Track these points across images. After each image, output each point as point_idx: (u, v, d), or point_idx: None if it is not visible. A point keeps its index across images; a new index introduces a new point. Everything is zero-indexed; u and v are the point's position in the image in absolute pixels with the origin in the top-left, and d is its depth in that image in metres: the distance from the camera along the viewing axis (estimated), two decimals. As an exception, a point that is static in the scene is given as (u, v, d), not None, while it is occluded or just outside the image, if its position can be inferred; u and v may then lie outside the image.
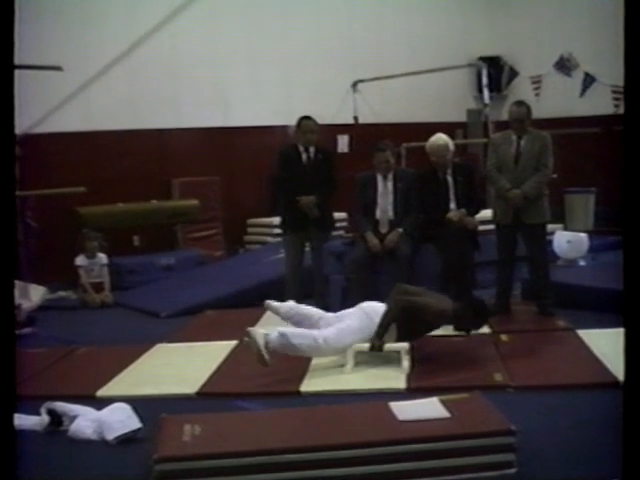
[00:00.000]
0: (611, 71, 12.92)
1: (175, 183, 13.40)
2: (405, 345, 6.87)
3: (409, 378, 6.48)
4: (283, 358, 6.78)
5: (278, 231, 10.52)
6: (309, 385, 6.45)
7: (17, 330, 8.74)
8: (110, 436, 5.30)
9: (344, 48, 14.73)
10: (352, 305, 7.23)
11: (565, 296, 8.57)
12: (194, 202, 13.06)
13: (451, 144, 8.63)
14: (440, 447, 4.58)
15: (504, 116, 8.95)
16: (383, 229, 8.62)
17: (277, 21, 14.33)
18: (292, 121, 9.47)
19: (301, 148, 9.04)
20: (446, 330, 7.70)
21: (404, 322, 6.86)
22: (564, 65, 15.19)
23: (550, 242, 10.01)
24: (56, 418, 5.58)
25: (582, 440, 5.05)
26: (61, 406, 5.66)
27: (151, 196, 12.97)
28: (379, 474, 4.51)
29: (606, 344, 6.74)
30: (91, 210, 12.03)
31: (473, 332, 7.24)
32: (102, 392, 6.43)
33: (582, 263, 10.37)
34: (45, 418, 5.58)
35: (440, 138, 8.58)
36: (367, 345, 6.85)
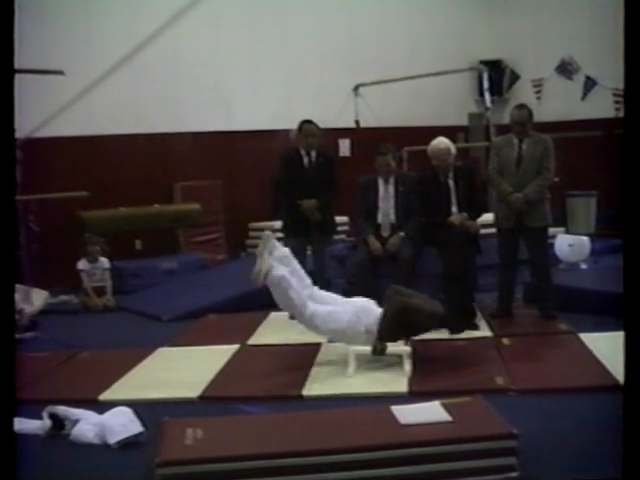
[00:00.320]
0: (612, 74, 12.94)
1: (177, 187, 13.41)
2: (407, 349, 6.88)
3: (411, 382, 6.48)
4: (285, 362, 6.79)
5: (280, 235, 10.50)
6: (311, 389, 6.44)
7: (19, 334, 8.76)
8: (112, 440, 5.30)
9: (345, 52, 14.75)
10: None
11: (567, 299, 8.57)
12: (196, 206, 13.07)
13: (453, 148, 8.63)
14: (442, 451, 4.59)
15: (505, 120, 8.96)
16: (385, 233, 8.62)
17: (279, 25, 14.34)
18: (294, 125, 9.48)
19: (303, 152, 9.05)
20: (446, 334, 7.72)
21: (397, 321, 6.86)
22: (565, 68, 15.20)
23: (552, 245, 10.01)
24: (58, 422, 5.58)
25: (584, 443, 5.05)
26: (63, 410, 5.67)
27: (153, 200, 12.98)
28: (381, 478, 4.51)
29: (607, 347, 6.73)
30: (93, 214, 12.04)
31: (474, 335, 7.25)
32: (104, 396, 6.43)
33: (584, 266, 10.39)
34: (47, 422, 5.58)
35: (442, 142, 8.58)
36: (369, 348, 6.86)
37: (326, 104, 13.84)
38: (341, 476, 4.51)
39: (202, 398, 6.38)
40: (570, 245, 10.50)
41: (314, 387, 6.48)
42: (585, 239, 10.62)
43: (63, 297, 10.82)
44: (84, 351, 8.00)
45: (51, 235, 11.52)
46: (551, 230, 9.11)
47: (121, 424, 5.39)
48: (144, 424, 5.41)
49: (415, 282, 8.25)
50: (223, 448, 4.72)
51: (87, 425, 5.51)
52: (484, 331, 8.10)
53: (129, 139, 12.96)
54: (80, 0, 12.62)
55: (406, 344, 7.07)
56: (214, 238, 13.58)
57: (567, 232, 11.79)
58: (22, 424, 5.57)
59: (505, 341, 7.68)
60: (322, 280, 9.05)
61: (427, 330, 7.08)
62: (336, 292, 7.68)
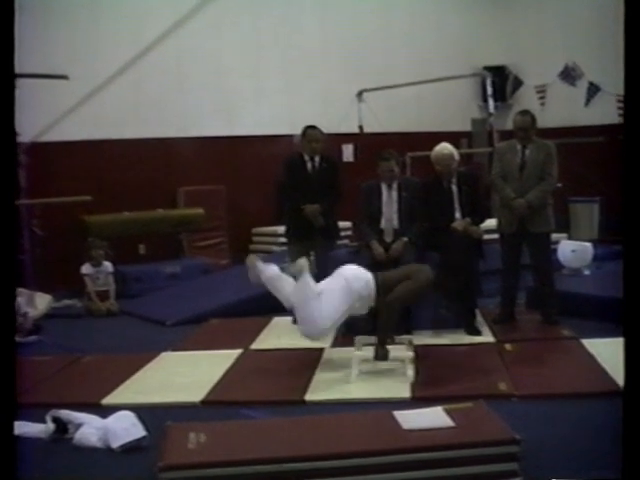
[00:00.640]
0: (616, 80, 12.89)
1: (180, 192, 13.43)
2: (409, 354, 6.88)
3: (413, 387, 6.48)
4: (288, 367, 6.80)
5: (283, 240, 10.52)
6: (314, 394, 6.45)
7: (23, 338, 8.79)
8: (115, 444, 5.31)
9: (349, 58, 14.76)
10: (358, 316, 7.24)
11: (569, 305, 8.57)
12: (199, 211, 13.09)
13: (456, 153, 8.62)
14: (444, 456, 4.59)
15: (509, 125, 8.96)
16: (388, 238, 8.61)
17: (282, 30, 14.36)
18: (297, 130, 9.49)
19: (306, 157, 9.06)
20: (450, 339, 7.74)
21: (393, 321, 7.03)
22: (569, 74, 15.21)
23: (555, 251, 10.01)
24: (61, 426, 5.59)
25: (586, 448, 5.05)
26: (66, 414, 5.68)
27: (157, 205, 12.99)
28: (384, 483, 4.53)
29: (610, 353, 6.73)
30: (97, 218, 12.06)
31: (476, 340, 7.25)
32: (107, 400, 6.44)
33: (587, 272, 10.38)
34: (50, 426, 5.60)
35: (445, 147, 8.58)
36: (372, 354, 6.87)
37: (330, 109, 13.85)
38: (344, 481, 4.52)
39: (205, 402, 6.39)
40: (573, 251, 10.50)
41: (317, 392, 6.49)
42: (588, 245, 10.62)
43: (67, 301, 10.83)
44: (87, 355, 8.01)
45: (55, 239, 11.54)
46: (554, 236, 9.11)
47: (124, 428, 5.41)
48: (147, 428, 5.43)
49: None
50: (226, 452, 4.73)
51: (90, 429, 5.52)
52: (487, 336, 8.11)
53: (133, 144, 12.97)
54: (85, 5, 12.65)
55: (409, 348, 7.08)
56: (217, 243, 13.59)
57: (570, 238, 11.80)
58: (25, 428, 5.59)
59: (508, 347, 7.68)
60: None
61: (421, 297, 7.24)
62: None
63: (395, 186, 8.66)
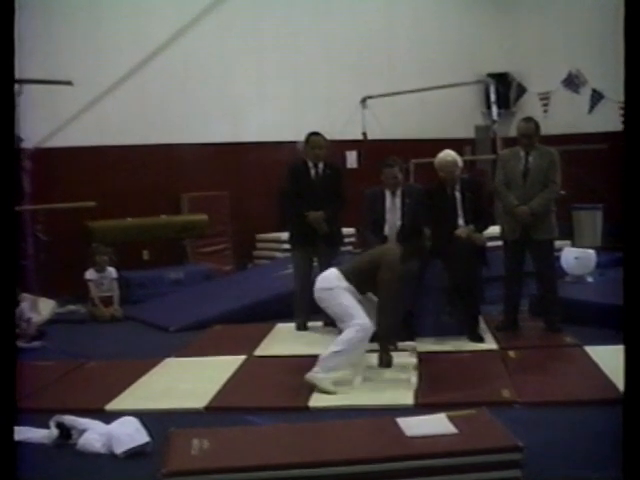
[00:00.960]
0: (619, 87, 12.80)
1: (184, 198, 13.44)
2: (413, 361, 6.89)
3: (416, 394, 6.48)
4: (292, 373, 6.80)
5: (287, 246, 10.53)
6: (317, 400, 6.45)
7: (26, 343, 8.81)
8: (118, 450, 5.32)
9: (353, 64, 14.79)
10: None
11: (573, 312, 8.58)
12: (203, 217, 13.10)
13: (459, 160, 8.63)
14: (447, 463, 4.60)
15: (512, 132, 8.97)
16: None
17: (287, 37, 14.38)
18: (301, 137, 9.51)
19: (310, 164, 9.08)
20: (453, 346, 7.75)
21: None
22: (572, 82, 15.21)
23: (558, 258, 10.01)
24: (65, 431, 5.60)
25: (589, 456, 5.05)
26: (70, 419, 5.68)
27: (160, 211, 13.01)
28: (387, 489, 4.53)
29: (613, 360, 6.72)
30: (101, 224, 12.07)
31: (479, 347, 7.25)
32: (111, 406, 6.45)
33: (590, 279, 10.38)
34: (54, 431, 5.60)
35: (448, 154, 8.58)
36: (376, 361, 6.88)
37: (334, 116, 13.87)
38: (347, 487, 4.53)
39: (208, 409, 6.39)
40: (576, 258, 10.50)
41: (320, 398, 6.49)
42: (591, 252, 10.62)
43: (70, 307, 10.85)
44: (91, 361, 8.03)
45: (59, 245, 11.54)
46: (557, 243, 9.12)
47: (128, 434, 5.41)
48: (150, 434, 5.43)
49: (421, 294, 8.28)
50: (229, 459, 4.74)
51: (94, 435, 5.53)
52: (490, 343, 8.12)
53: (137, 149, 12.99)
54: (89, 11, 12.68)
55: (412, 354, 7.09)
56: (221, 249, 13.60)
57: (573, 245, 11.80)
58: (29, 433, 5.60)
59: (511, 354, 7.69)
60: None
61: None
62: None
63: (399, 193, 8.66)
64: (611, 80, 13.48)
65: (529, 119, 8.64)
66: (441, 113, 15.48)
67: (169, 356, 8.11)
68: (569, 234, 12.50)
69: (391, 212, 8.65)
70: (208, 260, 13.12)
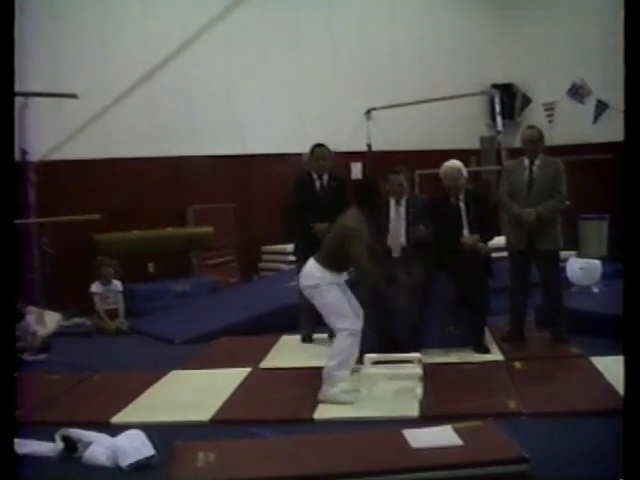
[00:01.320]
0: (623, 98, 12.92)
1: (190, 210, 13.46)
2: (418, 372, 6.88)
3: (422, 405, 6.48)
4: (297, 385, 6.80)
5: (292, 258, 10.53)
6: (323, 412, 6.45)
7: (32, 356, 8.82)
8: (124, 463, 5.32)
9: (358, 76, 14.81)
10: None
11: (578, 323, 8.56)
12: (209, 229, 13.11)
13: (464, 170, 8.63)
14: (453, 475, 4.60)
15: (517, 143, 8.97)
16: (395, 254, 8.59)
17: (291, 49, 14.42)
18: (306, 148, 9.51)
19: (315, 175, 9.08)
20: (459, 358, 7.73)
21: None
22: (577, 92, 15.22)
23: (563, 269, 10.00)
24: (71, 444, 5.60)
25: (595, 467, 5.03)
26: (76, 432, 5.69)
27: (166, 223, 13.02)
28: (392, 501, 4.53)
29: (619, 371, 6.70)
30: (107, 237, 12.08)
31: (485, 358, 7.24)
32: (117, 419, 6.45)
33: (595, 290, 10.36)
34: (60, 444, 5.60)
35: (454, 163, 8.60)
36: (383, 371, 6.88)
37: (338, 128, 13.89)
38: (352, 500, 4.53)
39: (214, 421, 6.39)
40: (581, 268, 10.48)
41: (326, 410, 6.49)
42: (597, 262, 10.61)
43: (76, 319, 10.85)
44: (97, 374, 8.03)
45: (64, 257, 11.56)
46: (563, 253, 9.09)
47: (133, 447, 5.41)
48: (156, 447, 5.43)
49: (427, 306, 8.26)
50: (235, 471, 4.74)
51: (99, 448, 5.53)
52: (496, 355, 8.10)
53: (142, 162, 13.00)
54: (96, 24, 12.71)
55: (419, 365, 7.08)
56: (227, 261, 13.61)
57: (579, 255, 11.77)
58: (35, 446, 5.60)
59: (517, 365, 7.68)
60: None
61: None
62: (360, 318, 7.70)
63: (403, 202, 8.65)
64: (616, 90, 13.46)
65: (533, 126, 8.68)
66: (446, 124, 15.49)
67: (175, 368, 8.11)
68: (575, 244, 12.49)
69: (394, 222, 8.62)
70: (214, 272, 13.13)
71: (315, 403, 6.61)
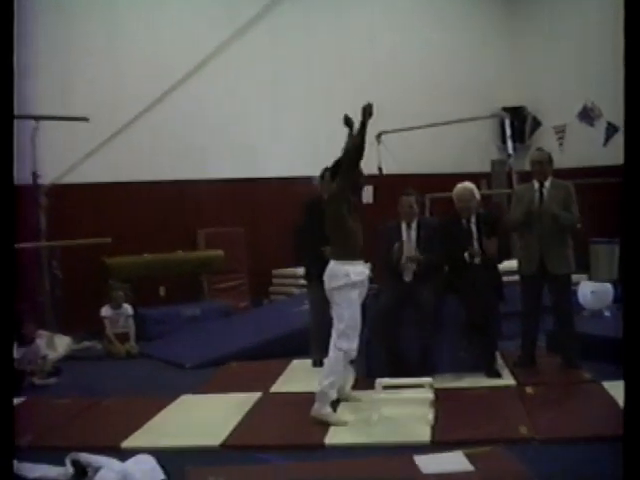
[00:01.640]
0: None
1: (200, 234, 13.48)
2: (430, 396, 6.85)
3: (433, 431, 6.44)
4: (308, 410, 6.78)
5: (303, 282, 10.52)
6: (333, 437, 6.42)
7: (42, 380, 8.82)
8: (134, 488, 5.30)
9: (367, 99, 14.79)
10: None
11: (590, 347, 8.51)
12: (219, 253, 13.12)
13: (477, 192, 8.65)
14: (465, 501, 4.57)
15: (528, 166, 8.96)
16: (407, 278, 8.58)
17: (301, 73, 14.48)
18: (316, 172, 9.51)
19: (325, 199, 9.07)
20: (470, 382, 7.70)
21: None
22: (587, 115, 15.22)
23: (575, 292, 9.96)
24: (80, 469, 5.57)
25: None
26: (85, 457, 5.66)
27: (177, 247, 13.04)
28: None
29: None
30: (117, 260, 12.10)
31: (497, 383, 7.22)
32: (127, 443, 6.44)
33: (607, 313, 10.32)
34: (69, 469, 5.58)
35: (467, 185, 8.64)
36: (394, 396, 6.86)
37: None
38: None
39: (224, 446, 6.36)
40: (593, 292, 10.45)
41: (336, 435, 6.46)
42: (608, 286, 10.57)
43: (86, 343, 10.84)
44: (107, 398, 8.02)
45: (75, 281, 11.58)
46: (574, 277, 9.07)
47: (143, 472, 5.39)
48: (166, 472, 5.41)
49: (438, 330, 8.24)
50: (245, 497, 4.72)
51: (109, 472, 5.50)
52: (507, 379, 8.06)
53: (153, 186, 13.05)
54: (106, 48, 12.78)
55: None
56: (237, 285, 13.61)
57: (590, 279, 11.74)
58: (44, 470, 5.59)
59: (528, 390, 7.64)
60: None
61: None
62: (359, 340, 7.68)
63: (414, 225, 8.65)
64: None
65: (541, 148, 8.73)
66: (456, 147, 15.51)
67: (185, 393, 8.09)
68: (586, 268, 12.45)
69: (406, 245, 8.62)
70: (224, 296, 13.12)
71: (326, 428, 6.59)
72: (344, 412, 7.03)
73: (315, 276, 9.10)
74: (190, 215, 13.44)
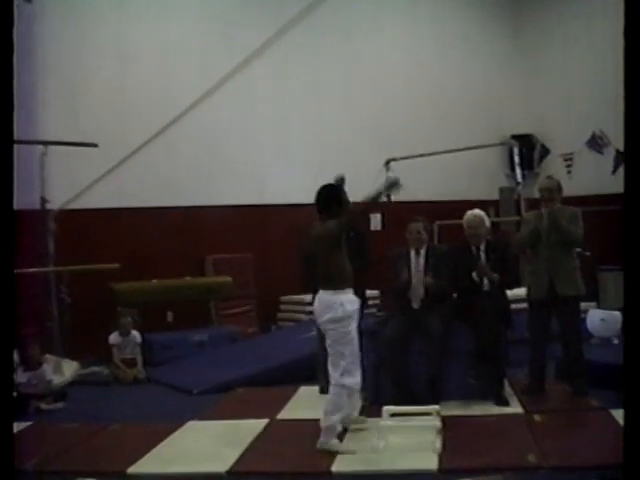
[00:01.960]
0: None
1: (209, 260, 13.50)
2: (438, 424, 6.83)
3: (441, 458, 6.41)
4: (315, 437, 6.76)
5: (311, 309, 10.50)
6: (340, 464, 6.40)
7: (49, 405, 8.82)
8: (140, 514, 5.28)
9: (376, 127, 14.88)
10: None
11: (599, 375, 8.48)
12: (227, 279, 13.12)
13: (487, 219, 8.67)
14: (472, 529, 4.54)
15: (536, 194, 8.97)
16: (415, 305, 8.57)
17: (311, 100, 14.53)
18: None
19: (334, 226, 9.06)
20: (478, 410, 7.67)
21: None
22: (596, 143, 15.23)
23: (583, 320, 9.93)
24: (86, 495, 5.58)
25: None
26: (92, 483, 5.67)
27: (185, 272, 13.05)
28: None
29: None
30: (125, 286, 12.10)
31: (505, 411, 7.18)
32: (133, 469, 6.42)
33: (616, 341, 10.28)
34: (76, 495, 5.59)
35: (477, 212, 8.69)
36: (401, 424, 6.84)
37: (357, 178, 13.83)
38: None
39: (231, 473, 6.35)
40: (602, 320, 10.41)
41: (343, 463, 6.44)
42: (617, 314, 10.52)
43: (94, 368, 10.83)
44: (113, 423, 8.00)
45: (83, 306, 11.58)
46: (583, 305, 9.05)
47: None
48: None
49: (446, 357, 8.21)
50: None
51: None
52: (515, 407, 8.03)
53: (161, 212, 13.08)
54: (114, 75, 12.85)
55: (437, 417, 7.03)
56: (245, 311, 13.60)
57: (599, 307, 11.70)
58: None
59: (537, 417, 7.60)
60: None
61: None
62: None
63: (423, 253, 8.65)
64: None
65: (550, 176, 8.77)
66: (465, 175, 15.54)
67: (192, 419, 8.08)
68: (595, 295, 12.41)
69: (415, 272, 8.62)
70: (232, 322, 13.11)
71: (333, 456, 6.57)
72: (351, 441, 7.01)
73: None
74: (198, 241, 13.46)
